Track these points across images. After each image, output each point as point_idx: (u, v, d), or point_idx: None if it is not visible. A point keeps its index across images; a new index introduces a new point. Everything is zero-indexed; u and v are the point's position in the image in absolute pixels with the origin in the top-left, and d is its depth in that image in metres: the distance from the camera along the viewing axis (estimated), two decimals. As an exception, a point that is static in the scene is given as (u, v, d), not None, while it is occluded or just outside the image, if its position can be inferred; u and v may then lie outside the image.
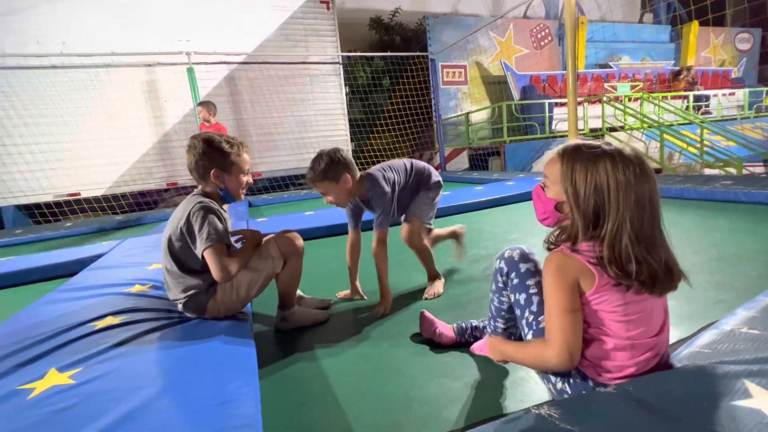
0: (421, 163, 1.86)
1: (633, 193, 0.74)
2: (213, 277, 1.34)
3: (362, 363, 1.24)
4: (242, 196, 1.49)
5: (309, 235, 2.84)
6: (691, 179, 3.46)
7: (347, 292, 1.83)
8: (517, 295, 0.95)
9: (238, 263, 1.34)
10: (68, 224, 5.01)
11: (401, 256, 2.30)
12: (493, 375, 1.10)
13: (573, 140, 0.83)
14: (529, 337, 0.91)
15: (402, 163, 1.81)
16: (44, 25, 5.36)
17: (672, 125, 6.80)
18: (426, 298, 1.70)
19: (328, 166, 1.54)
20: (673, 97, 8.54)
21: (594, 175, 0.75)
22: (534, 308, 0.91)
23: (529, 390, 1.03)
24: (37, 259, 2.75)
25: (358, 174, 1.64)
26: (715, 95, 9.07)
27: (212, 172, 1.37)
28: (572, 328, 0.77)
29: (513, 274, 0.96)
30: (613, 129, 7.14)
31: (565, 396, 0.84)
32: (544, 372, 0.88)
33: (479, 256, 2.19)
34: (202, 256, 1.30)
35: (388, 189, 1.63)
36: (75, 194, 5.71)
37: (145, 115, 5.97)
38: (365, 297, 1.86)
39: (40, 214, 5.67)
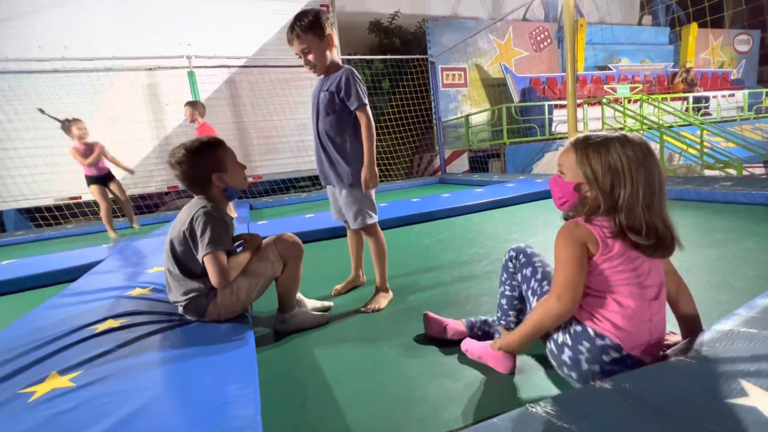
0: None
1: (643, 168, 0.85)
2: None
3: (362, 364, 1.24)
4: (247, 183, 1.48)
5: (309, 237, 2.85)
6: (691, 180, 3.46)
7: (343, 284, 1.85)
8: (525, 270, 1.06)
9: (236, 269, 1.34)
10: (70, 226, 5.03)
11: (403, 255, 2.31)
12: (494, 375, 1.10)
13: (581, 136, 0.93)
14: (534, 303, 0.98)
15: None
16: (46, 30, 5.39)
17: (672, 127, 6.81)
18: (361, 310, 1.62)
19: (316, 20, 1.48)
20: (673, 99, 8.55)
21: (607, 156, 0.86)
22: (539, 276, 1.02)
23: (530, 389, 1.03)
24: (39, 265, 2.75)
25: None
26: (714, 97, 9.09)
27: (213, 177, 1.37)
28: (576, 275, 0.87)
29: (521, 255, 1.09)
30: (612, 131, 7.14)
31: (566, 349, 0.92)
32: (547, 332, 0.96)
33: (479, 255, 2.20)
34: (203, 261, 1.31)
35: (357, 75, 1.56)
36: (76, 197, 5.73)
37: (146, 118, 6.00)
38: (364, 279, 1.87)
39: (41, 217, 5.68)
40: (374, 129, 1.59)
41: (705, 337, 0.93)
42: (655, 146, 6.62)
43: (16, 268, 2.70)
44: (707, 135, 6.20)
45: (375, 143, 1.59)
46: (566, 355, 0.92)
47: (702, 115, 8.62)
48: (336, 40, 1.59)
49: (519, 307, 1.12)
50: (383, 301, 1.65)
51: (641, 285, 0.88)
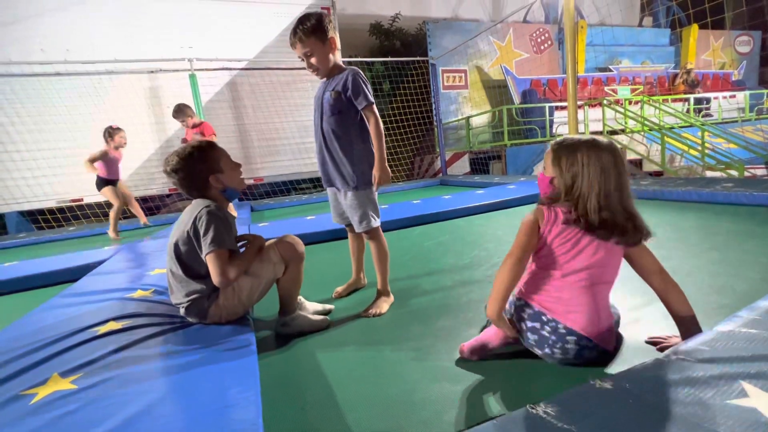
0: None
1: (600, 169, 1.02)
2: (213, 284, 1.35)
3: (363, 367, 1.24)
4: (244, 182, 1.50)
5: (310, 239, 2.85)
6: (692, 182, 3.46)
7: (344, 286, 1.85)
8: None
9: (238, 269, 1.34)
10: (71, 228, 5.04)
11: (404, 258, 2.31)
12: (495, 377, 1.10)
13: (564, 136, 1.13)
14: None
15: None
16: (48, 34, 5.42)
17: (673, 128, 6.80)
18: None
19: (318, 23, 1.50)
20: (674, 100, 8.55)
21: (572, 158, 1.05)
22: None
23: (530, 390, 1.02)
24: (40, 265, 2.76)
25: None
26: (715, 98, 9.08)
27: (210, 179, 1.38)
28: (524, 241, 1.08)
29: None
30: (613, 132, 7.15)
31: (529, 334, 1.08)
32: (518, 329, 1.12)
33: (480, 258, 2.19)
34: (206, 259, 1.31)
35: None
36: (78, 200, 5.74)
37: (147, 121, 6.02)
38: (365, 282, 1.87)
39: (42, 219, 5.70)
40: (382, 127, 1.60)
41: (705, 337, 0.93)
42: (656, 147, 6.62)
43: (18, 268, 2.71)
44: (708, 136, 6.20)
45: (384, 143, 1.59)
46: (532, 338, 1.09)
47: (703, 117, 8.61)
48: (338, 43, 1.60)
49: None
50: (384, 305, 1.65)
51: (586, 269, 1.04)
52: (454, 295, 1.73)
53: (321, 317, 1.57)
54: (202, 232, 1.31)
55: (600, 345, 1.06)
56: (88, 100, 5.65)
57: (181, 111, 4.29)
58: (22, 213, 5.79)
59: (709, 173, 5.73)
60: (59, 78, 5.48)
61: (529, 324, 1.08)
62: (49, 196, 5.61)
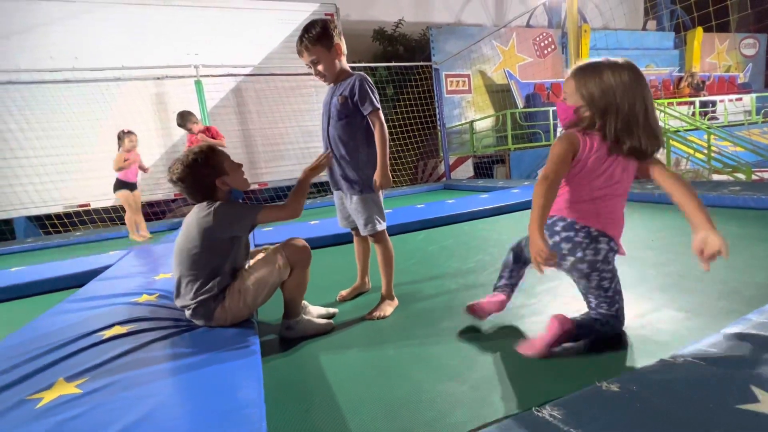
0: None
1: (630, 89, 1.04)
2: (224, 284, 1.37)
3: (367, 369, 1.24)
4: (248, 182, 1.53)
5: (314, 244, 2.84)
6: (699, 185, 3.43)
7: (348, 290, 1.85)
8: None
9: (291, 200, 1.45)
10: (78, 234, 5.09)
11: (408, 263, 2.30)
12: (500, 376, 1.10)
13: (576, 65, 1.14)
14: None
15: None
16: (58, 41, 5.51)
17: (678, 131, 6.76)
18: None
19: (324, 31, 1.52)
20: (679, 103, 8.50)
21: (600, 81, 1.06)
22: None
23: (536, 392, 1.01)
24: (47, 270, 2.79)
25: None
26: (721, 101, 9.02)
27: (217, 182, 1.40)
28: (558, 163, 1.09)
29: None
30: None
31: (567, 243, 1.14)
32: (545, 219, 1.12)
33: (484, 263, 2.18)
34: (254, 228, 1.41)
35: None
36: (84, 205, 5.80)
37: (153, 126, 6.08)
38: (369, 286, 1.87)
39: (50, 224, 5.76)
40: (387, 133, 1.61)
41: (713, 339, 0.92)
42: (661, 151, 6.58)
43: (26, 273, 2.74)
44: (714, 139, 6.15)
45: (388, 146, 1.61)
46: (566, 247, 1.15)
47: (709, 120, 8.55)
48: (344, 48, 1.62)
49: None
50: (388, 308, 1.65)
51: (612, 185, 1.14)
52: (459, 298, 1.72)
53: (325, 321, 1.57)
54: (238, 216, 1.38)
55: (619, 251, 1.18)
56: (95, 107, 5.72)
57: (184, 118, 4.34)
58: (30, 218, 5.85)
59: (715, 176, 5.67)
60: (67, 85, 5.56)
61: (563, 234, 1.15)
62: (57, 201, 5.67)
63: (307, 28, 1.54)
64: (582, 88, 1.09)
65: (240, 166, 1.48)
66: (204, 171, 1.38)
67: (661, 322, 1.33)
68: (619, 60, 1.09)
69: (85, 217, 5.93)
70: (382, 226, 1.68)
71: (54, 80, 5.49)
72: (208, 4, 6.31)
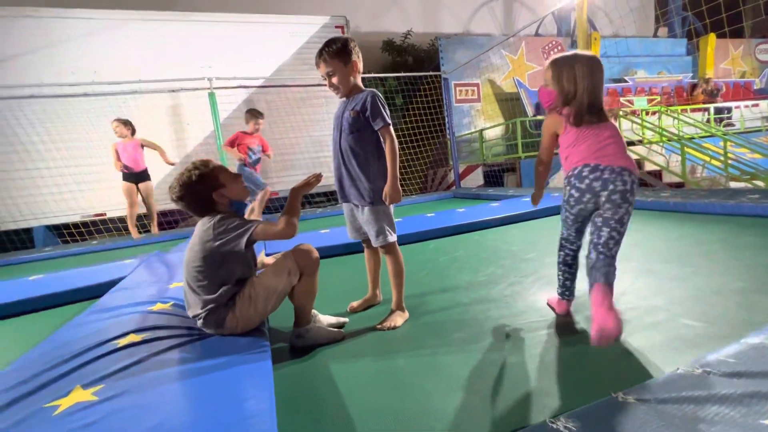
0: None
1: (589, 75, 1.36)
2: (232, 291, 1.39)
3: (377, 379, 1.23)
4: (246, 191, 1.54)
5: (324, 253, 2.85)
6: (715, 193, 3.35)
7: (359, 302, 1.85)
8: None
9: (284, 220, 1.42)
10: (94, 242, 5.20)
11: (419, 274, 2.29)
12: (512, 387, 1.08)
13: (554, 56, 1.46)
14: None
15: None
16: (79, 57, 5.72)
17: (693, 138, 6.65)
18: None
19: (343, 47, 1.60)
20: (693, 110, 8.38)
21: (568, 70, 1.39)
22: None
23: (550, 403, 0.99)
24: (65, 281, 2.83)
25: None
26: (737, 107, 8.86)
27: (214, 196, 1.43)
28: (547, 141, 1.51)
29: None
30: (631, 143, 7.03)
31: (597, 181, 1.32)
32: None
33: (496, 276, 2.15)
34: (243, 251, 1.39)
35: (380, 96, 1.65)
36: (101, 214, 5.94)
37: (168, 138, 6.22)
38: (381, 299, 1.87)
39: (67, 233, 5.90)
40: (397, 147, 1.64)
41: (733, 349, 0.89)
42: (676, 158, 6.47)
43: (44, 284, 2.78)
44: (731, 146, 6.03)
45: (398, 161, 1.63)
46: (597, 185, 1.33)
47: (725, 126, 8.40)
48: (360, 67, 1.67)
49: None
50: (399, 319, 1.64)
51: (594, 138, 1.37)
52: (471, 312, 1.70)
53: (335, 330, 1.57)
54: (232, 231, 1.37)
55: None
56: (113, 118, 5.88)
57: (255, 115, 4.69)
58: (48, 227, 6.01)
59: (733, 184, 5.55)
60: (87, 98, 5.75)
61: (591, 176, 1.33)
62: (74, 210, 5.82)
63: (328, 43, 1.61)
64: (558, 76, 1.41)
65: (238, 176, 1.51)
66: (200, 187, 1.42)
67: (678, 332, 1.30)
68: (584, 53, 1.41)
69: (101, 226, 6.06)
70: (393, 237, 1.69)
71: (74, 94, 5.67)
72: (222, 18, 6.49)
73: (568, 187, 1.41)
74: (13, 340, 2.03)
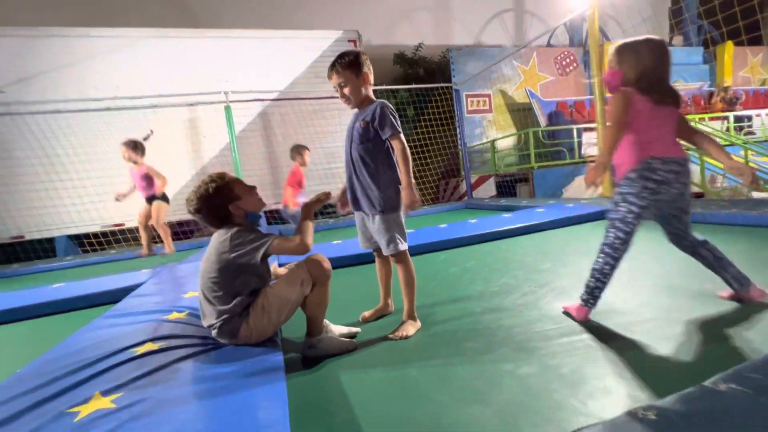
0: None
1: (658, 58, 1.48)
2: (246, 302, 1.40)
3: (389, 390, 1.22)
4: (262, 202, 1.56)
5: (336, 263, 2.87)
6: (737, 204, 3.27)
7: (371, 312, 1.85)
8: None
9: (299, 238, 1.44)
10: (113, 252, 5.33)
11: (430, 285, 2.28)
12: (527, 399, 1.06)
13: (617, 43, 1.54)
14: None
15: None
16: (101, 73, 5.97)
17: (711, 147, 6.50)
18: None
19: (355, 59, 1.65)
20: (712, 119, 8.22)
21: (636, 54, 1.48)
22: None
23: (566, 416, 0.97)
24: (85, 287, 2.93)
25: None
26: (758, 115, 8.66)
27: (230, 208, 1.45)
28: (618, 114, 1.46)
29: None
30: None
31: (666, 169, 1.43)
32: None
33: (509, 286, 2.13)
34: (261, 261, 1.42)
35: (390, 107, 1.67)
36: (119, 225, 6.10)
37: (185, 150, 6.40)
38: (392, 308, 1.86)
39: (87, 243, 6.07)
40: (409, 154, 1.65)
41: (760, 361, 0.86)
42: (695, 168, 6.34)
43: (65, 290, 2.89)
44: (752, 155, 5.88)
45: (411, 168, 1.64)
46: (672, 179, 1.44)
47: (745, 135, 8.20)
48: (371, 79, 1.72)
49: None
50: (411, 329, 1.64)
51: (657, 123, 1.46)
52: (484, 321, 1.69)
53: (347, 340, 1.57)
54: (248, 245, 1.39)
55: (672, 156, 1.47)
56: (132, 132, 6.08)
57: (299, 151, 4.61)
58: (69, 237, 6.19)
59: (755, 194, 5.39)
60: (109, 112, 5.97)
61: (665, 168, 1.42)
62: (94, 221, 5.99)
63: (341, 55, 1.67)
64: (624, 59, 1.49)
65: (253, 188, 1.54)
66: (216, 200, 1.44)
67: (700, 347, 1.26)
68: (653, 37, 1.50)
69: (119, 236, 6.22)
70: (404, 246, 1.70)
71: (97, 108, 5.91)
72: (238, 35, 6.70)
73: (641, 180, 1.42)
74: (33, 340, 2.11)
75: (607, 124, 1.48)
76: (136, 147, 4.17)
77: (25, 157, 5.71)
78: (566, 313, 1.63)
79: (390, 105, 1.68)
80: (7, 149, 5.65)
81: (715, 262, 1.54)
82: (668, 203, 1.47)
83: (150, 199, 4.32)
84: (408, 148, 1.66)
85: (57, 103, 5.70)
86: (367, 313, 1.87)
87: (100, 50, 5.98)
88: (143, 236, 4.47)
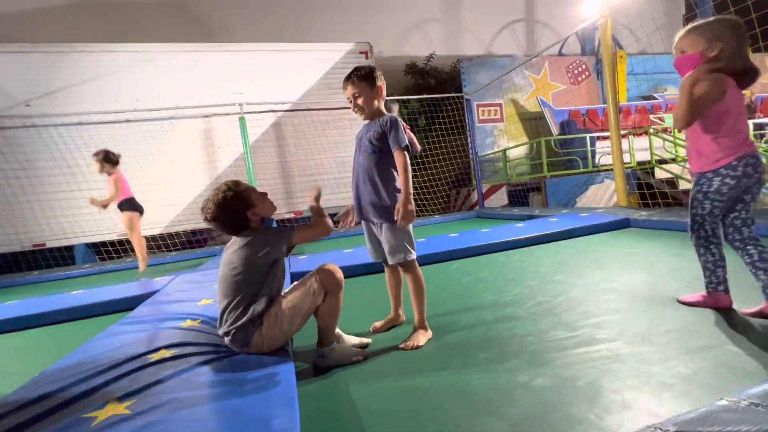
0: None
1: (738, 35, 1.41)
2: (261, 311, 1.41)
3: (400, 401, 1.21)
4: (274, 207, 1.60)
5: (348, 272, 2.85)
6: (760, 214, 3.17)
7: (382, 322, 1.84)
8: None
9: (315, 220, 1.52)
10: (129, 260, 5.44)
11: (442, 294, 2.27)
12: (541, 412, 1.04)
13: (688, 25, 1.49)
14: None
15: None
16: (122, 86, 6.17)
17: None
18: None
19: (370, 72, 1.70)
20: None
21: (719, 29, 1.42)
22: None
23: (582, 430, 0.95)
24: (102, 294, 2.99)
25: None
26: (778, 122, 8.44)
27: (248, 215, 1.48)
28: (701, 108, 1.42)
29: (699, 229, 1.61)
30: (663, 161, 6.80)
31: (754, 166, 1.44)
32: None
33: (522, 296, 2.10)
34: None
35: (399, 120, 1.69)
36: (136, 233, 6.22)
37: (200, 160, 6.54)
38: (404, 319, 1.85)
39: (105, 251, 6.21)
40: (410, 170, 1.66)
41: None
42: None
43: (83, 297, 2.96)
44: (773, 163, 5.71)
45: (411, 183, 1.65)
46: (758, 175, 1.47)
47: (766, 143, 7.99)
48: (384, 92, 1.76)
49: (721, 265, 1.60)
50: (422, 338, 1.62)
51: (740, 109, 1.44)
52: (497, 330, 1.66)
53: (358, 350, 1.57)
54: (272, 241, 1.44)
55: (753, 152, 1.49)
56: (150, 143, 6.27)
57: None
58: (88, 245, 6.35)
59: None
60: (129, 124, 6.16)
61: (752, 164, 1.43)
62: (111, 229, 6.14)
63: (357, 68, 1.73)
64: (707, 33, 1.41)
65: (265, 195, 1.57)
66: (234, 206, 1.47)
67: (723, 359, 1.22)
68: (726, 16, 1.46)
69: (136, 245, 6.35)
70: (412, 255, 1.69)
71: (117, 120, 6.10)
72: (252, 48, 6.87)
73: (711, 183, 1.46)
74: (52, 345, 2.16)
75: (679, 112, 1.43)
76: (107, 159, 4.12)
77: (48, 167, 5.91)
78: (699, 304, 1.65)
79: (399, 119, 1.71)
80: (31, 160, 5.86)
81: (761, 263, 1.47)
82: (744, 190, 1.48)
83: (121, 207, 4.19)
84: (410, 164, 1.66)
85: (80, 116, 5.90)
86: (378, 324, 1.86)
87: (122, 65, 6.20)
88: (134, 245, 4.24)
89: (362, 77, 1.70)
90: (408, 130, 1.72)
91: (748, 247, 1.49)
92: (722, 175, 1.44)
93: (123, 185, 4.23)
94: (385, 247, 1.71)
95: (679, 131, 1.55)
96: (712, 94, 1.37)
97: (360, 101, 1.71)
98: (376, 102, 1.73)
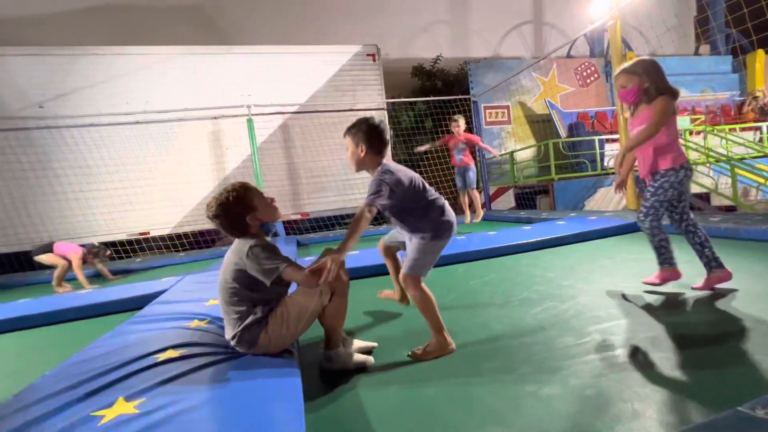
0: (436, 194, 1.70)
1: (657, 68, 1.85)
2: (266, 310, 1.41)
3: (406, 409, 1.20)
4: (276, 211, 1.56)
5: (354, 274, 2.86)
6: (743, 218, 3.10)
7: (390, 291, 1.86)
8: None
9: (309, 270, 1.39)
10: (138, 260, 5.51)
11: (449, 297, 2.25)
12: (549, 422, 1.02)
13: (622, 64, 1.93)
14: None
15: (422, 182, 1.67)
16: (133, 88, 6.26)
17: (743, 159, 6.25)
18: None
19: (357, 127, 1.64)
20: (743, 129, 7.91)
21: (643, 67, 1.85)
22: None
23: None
24: (111, 293, 3.03)
25: (384, 157, 1.66)
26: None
27: (247, 219, 1.47)
28: (665, 119, 1.81)
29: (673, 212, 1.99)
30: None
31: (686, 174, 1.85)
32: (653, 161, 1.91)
33: (530, 301, 2.08)
34: (271, 284, 1.39)
35: (394, 176, 1.56)
36: (145, 233, 6.31)
37: (209, 161, 6.60)
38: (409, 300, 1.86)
39: (114, 251, 6.29)
40: (362, 225, 1.48)
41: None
42: (725, 180, 6.09)
43: (93, 296, 3.00)
44: (787, 167, 5.61)
45: (355, 239, 1.46)
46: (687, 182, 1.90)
47: (779, 146, 7.85)
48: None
49: (669, 242, 1.96)
50: (432, 352, 1.55)
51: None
52: (504, 337, 1.65)
53: (365, 356, 1.56)
54: (264, 266, 1.38)
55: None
56: (159, 144, 6.35)
57: (458, 122, 5.57)
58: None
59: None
60: (138, 125, 6.25)
61: (684, 174, 1.85)
62: (121, 229, 6.22)
63: (356, 121, 1.66)
64: (637, 70, 1.84)
65: (272, 200, 1.55)
66: (235, 209, 1.47)
67: (736, 369, 1.19)
68: (645, 57, 1.87)
69: (144, 245, 6.43)
70: (416, 272, 1.60)
71: (127, 122, 6.19)
72: (260, 50, 6.92)
73: (678, 175, 1.82)
74: (61, 344, 2.18)
75: (646, 126, 1.81)
76: (96, 255, 4.58)
77: (60, 167, 6.01)
78: (655, 282, 2.00)
79: (387, 175, 1.57)
80: (44, 160, 5.97)
81: (707, 242, 1.89)
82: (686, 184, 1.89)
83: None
84: (365, 220, 1.49)
85: (91, 117, 5.99)
86: (387, 291, 1.92)
87: (132, 67, 6.29)
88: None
89: (348, 131, 1.65)
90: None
91: (697, 230, 1.89)
92: (686, 168, 1.83)
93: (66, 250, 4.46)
94: (408, 254, 1.67)
95: (651, 138, 1.85)
96: (671, 109, 1.80)
97: (348, 154, 1.67)
98: (358, 158, 1.63)
